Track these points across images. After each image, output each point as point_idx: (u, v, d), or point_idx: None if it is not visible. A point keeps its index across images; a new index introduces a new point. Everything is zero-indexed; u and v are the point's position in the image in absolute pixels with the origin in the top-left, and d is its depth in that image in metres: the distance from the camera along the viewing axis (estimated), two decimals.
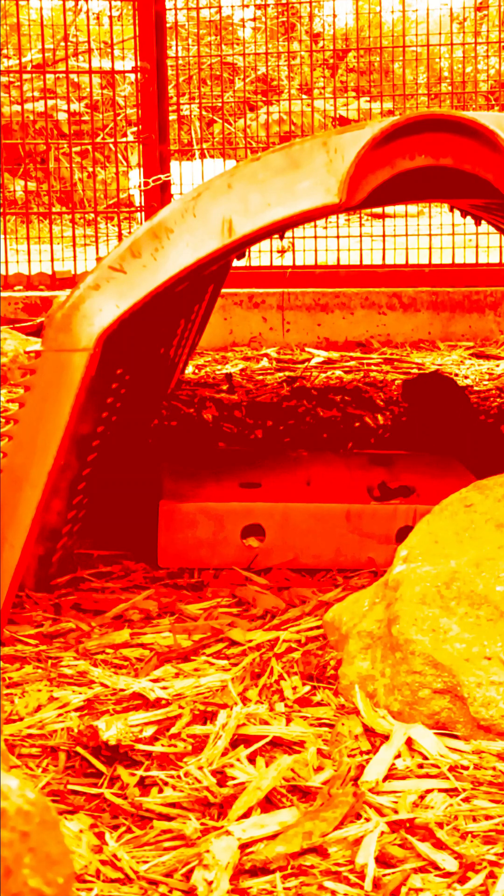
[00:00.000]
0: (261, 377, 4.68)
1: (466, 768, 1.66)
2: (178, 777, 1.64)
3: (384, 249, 5.72)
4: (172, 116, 6.63)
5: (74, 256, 5.85)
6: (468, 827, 1.51)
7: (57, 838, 1.11)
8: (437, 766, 1.66)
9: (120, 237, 5.95)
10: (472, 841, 1.48)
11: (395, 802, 1.57)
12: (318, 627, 2.12)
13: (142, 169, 5.58)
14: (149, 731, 1.75)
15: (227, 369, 4.89)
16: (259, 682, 1.92)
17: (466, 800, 1.58)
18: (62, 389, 2.09)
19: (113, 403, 2.57)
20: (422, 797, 1.59)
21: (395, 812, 1.55)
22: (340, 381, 4.53)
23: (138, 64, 5.48)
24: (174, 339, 3.78)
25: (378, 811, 1.55)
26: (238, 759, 1.67)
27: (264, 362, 5.07)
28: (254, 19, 8.57)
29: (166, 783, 1.62)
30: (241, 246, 2.41)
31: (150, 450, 3.35)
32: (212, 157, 7.18)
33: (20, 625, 2.20)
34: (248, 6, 6.98)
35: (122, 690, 1.90)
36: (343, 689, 1.87)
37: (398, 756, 1.68)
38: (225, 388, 4.40)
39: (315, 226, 5.72)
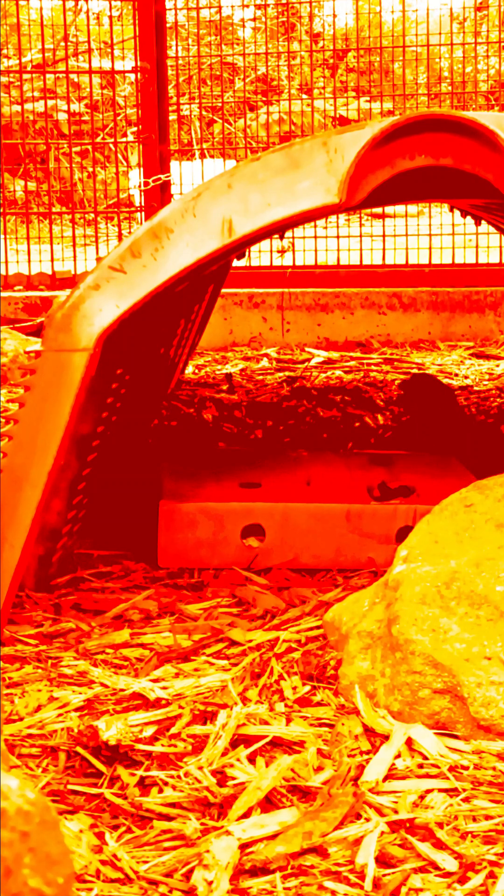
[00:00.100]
0: (261, 377, 4.68)
1: (466, 768, 1.66)
2: (178, 777, 1.64)
3: (384, 249, 5.72)
4: (172, 116, 6.63)
5: (74, 256, 5.85)
6: (468, 827, 1.51)
7: (57, 838, 1.11)
8: (437, 766, 1.66)
9: (120, 237, 5.95)
10: (472, 841, 1.48)
11: (395, 802, 1.57)
12: (318, 627, 2.12)
13: (142, 169, 5.58)
14: (149, 731, 1.75)
15: (227, 369, 4.89)
16: (259, 682, 1.92)
17: (466, 800, 1.58)
18: (62, 389, 2.09)
19: (113, 403, 2.57)
20: (422, 797, 1.59)
21: (395, 812, 1.55)
22: (340, 381, 4.53)
23: (138, 64, 5.48)
24: (174, 339, 3.78)
25: (378, 811, 1.55)
26: (238, 759, 1.67)
27: (264, 362, 5.07)
28: (254, 19, 8.57)
29: (166, 783, 1.63)
30: (241, 246, 2.41)
31: (150, 450, 3.35)
32: (212, 157, 7.18)
33: (20, 625, 2.20)
34: (248, 6, 6.98)
35: (122, 690, 1.90)
36: (343, 689, 1.87)
37: (398, 756, 1.68)
38: (225, 388, 4.40)
39: (315, 226, 5.72)
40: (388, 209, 6.42)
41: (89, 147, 7.39)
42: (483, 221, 4.13)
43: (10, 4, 5.96)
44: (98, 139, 7.67)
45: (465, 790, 1.60)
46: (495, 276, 5.60)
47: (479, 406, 4.03)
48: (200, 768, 1.65)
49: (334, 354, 5.21)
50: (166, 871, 1.43)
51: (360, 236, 5.70)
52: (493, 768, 1.66)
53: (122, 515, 2.76)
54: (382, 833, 1.50)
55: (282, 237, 4.66)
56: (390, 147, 2.08)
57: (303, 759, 1.67)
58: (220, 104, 7.59)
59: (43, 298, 5.55)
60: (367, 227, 6.47)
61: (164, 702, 1.85)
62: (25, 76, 7.27)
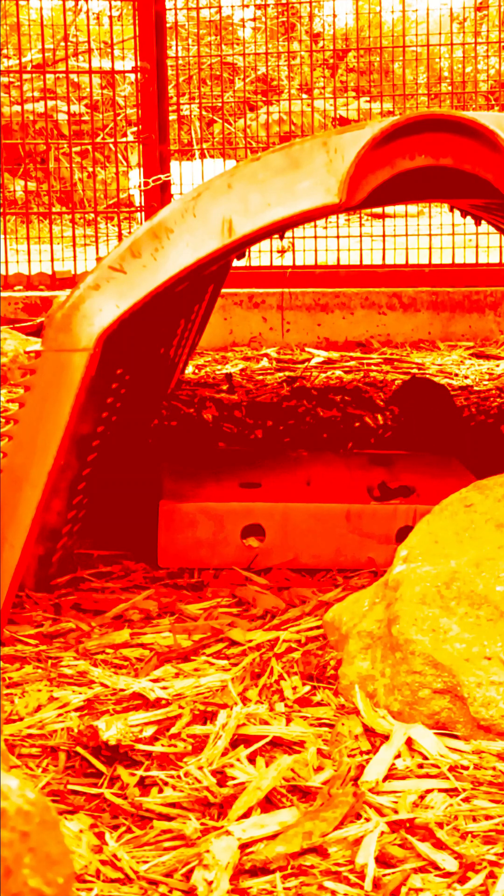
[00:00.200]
0: (261, 377, 4.68)
1: (466, 768, 1.66)
2: (178, 777, 1.64)
3: (384, 249, 5.72)
4: (172, 116, 6.63)
5: (74, 256, 5.85)
6: (468, 827, 1.51)
7: (57, 838, 1.11)
8: (437, 766, 1.66)
9: (120, 237, 5.95)
10: (472, 841, 1.48)
11: (395, 802, 1.57)
12: (318, 627, 2.12)
13: (142, 169, 5.58)
14: (149, 731, 1.75)
15: (227, 369, 4.89)
16: (259, 682, 1.92)
17: (466, 800, 1.58)
18: (62, 389, 2.09)
19: (113, 403, 2.57)
20: (422, 797, 1.59)
21: (395, 812, 1.55)
22: (340, 381, 4.53)
23: (138, 64, 5.48)
24: (174, 339, 3.78)
25: (378, 811, 1.55)
26: (238, 759, 1.67)
27: (264, 362, 5.07)
28: (254, 19, 8.57)
29: (166, 783, 1.63)
30: (241, 246, 2.41)
31: (150, 450, 3.35)
32: (212, 157, 7.18)
33: (20, 625, 2.20)
34: (248, 6, 6.98)
35: (122, 690, 1.90)
36: (343, 689, 1.87)
37: (398, 756, 1.68)
38: (225, 388, 4.40)
39: (315, 226, 5.72)
40: (388, 209, 6.42)
41: (89, 147, 7.39)
42: (483, 221, 4.13)
43: (10, 4, 5.96)
44: (98, 139, 7.67)
45: (465, 790, 1.60)
46: (495, 276, 5.60)
47: (479, 406, 4.03)
48: (200, 768, 1.65)
49: (334, 354, 5.21)
50: (166, 871, 1.43)
51: (360, 236, 5.70)
52: (493, 768, 1.66)
53: (122, 515, 2.76)
54: (382, 833, 1.50)
55: (282, 237, 4.66)
56: (390, 147, 2.08)
57: (303, 759, 1.67)
58: (220, 104, 7.59)
59: (43, 298, 5.55)
60: (367, 227, 6.47)
61: (164, 702, 1.85)
62: (25, 76, 7.27)
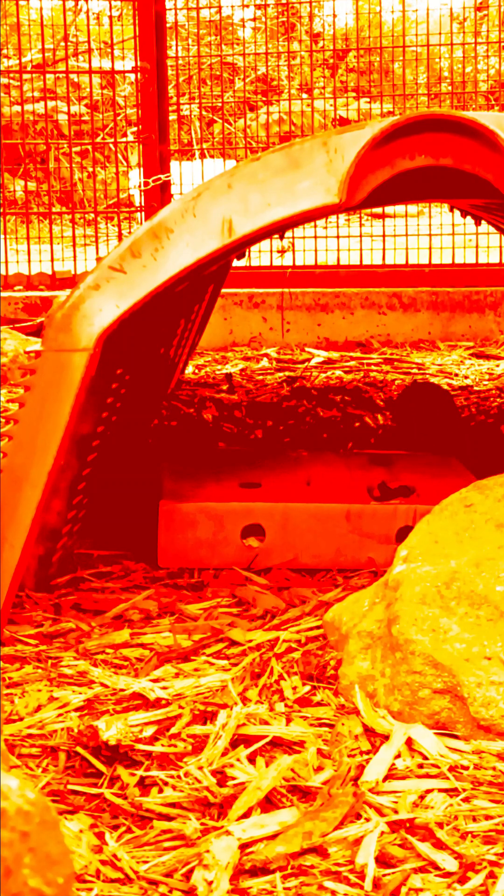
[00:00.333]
0: (261, 377, 4.68)
1: (466, 768, 1.66)
2: (178, 777, 1.64)
3: (384, 249, 5.72)
4: (172, 116, 6.63)
5: (74, 256, 5.85)
6: (468, 827, 1.51)
7: (57, 838, 1.11)
8: (437, 766, 1.66)
9: (120, 237, 5.95)
10: (472, 841, 1.48)
11: (395, 802, 1.57)
12: (318, 627, 2.12)
13: (142, 169, 5.58)
14: (149, 731, 1.75)
15: (227, 369, 4.89)
16: (259, 682, 1.92)
17: (466, 800, 1.58)
18: (62, 389, 2.09)
19: (113, 403, 2.57)
20: (422, 797, 1.59)
21: (395, 812, 1.55)
22: (340, 381, 4.53)
23: (138, 64, 5.48)
24: (174, 339, 3.78)
25: (378, 811, 1.55)
26: (238, 759, 1.67)
27: (264, 362, 5.07)
28: (254, 19, 8.57)
29: (166, 783, 1.63)
30: (241, 246, 2.41)
31: (150, 450, 3.35)
32: (212, 157, 7.19)
33: (20, 625, 2.20)
34: (248, 6, 6.98)
35: (122, 690, 1.90)
36: (343, 689, 1.87)
37: (398, 756, 1.68)
38: (225, 388, 4.40)
39: (315, 226, 5.72)
40: (388, 209, 6.42)
41: (89, 147, 7.39)
42: (483, 221, 4.13)
43: (10, 4, 5.96)
44: (98, 139, 7.67)
45: (465, 790, 1.60)
46: (495, 276, 5.60)
47: (479, 406, 4.03)
48: (200, 768, 1.65)
49: (334, 354, 5.21)
50: (166, 871, 1.43)
51: (360, 236, 5.70)
52: (493, 768, 1.66)
53: (122, 515, 2.76)
54: (382, 833, 1.50)
55: (282, 237, 4.66)
56: (390, 147, 2.08)
57: (303, 759, 1.67)
58: (220, 104, 7.59)
59: (43, 298, 5.55)
60: (367, 227, 6.47)
61: (164, 702, 1.85)
62: (25, 76, 7.27)
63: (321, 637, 2.08)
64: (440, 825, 1.52)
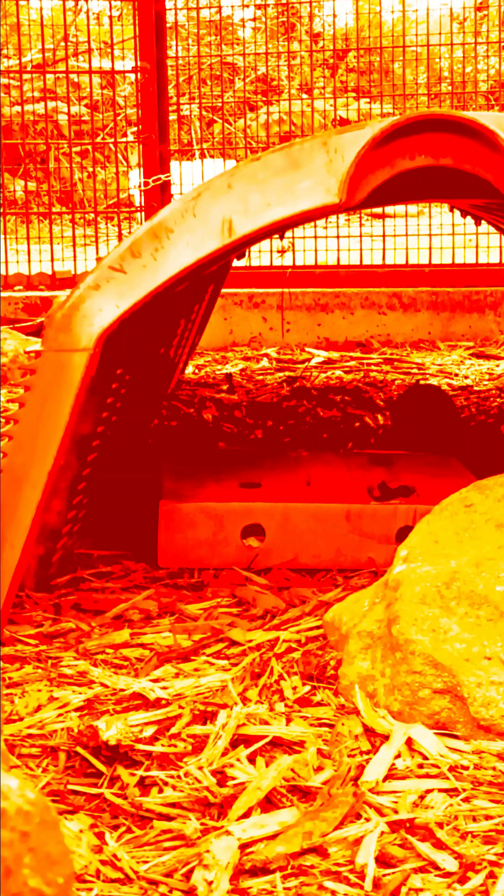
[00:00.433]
0: (261, 377, 4.68)
1: (466, 768, 1.66)
2: (178, 777, 1.64)
3: (384, 249, 5.72)
4: (172, 116, 6.63)
5: (74, 256, 5.85)
6: (468, 827, 1.51)
7: (57, 838, 1.11)
8: (437, 766, 1.66)
9: (120, 237, 5.95)
10: (472, 841, 1.48)
11: (395, 802, 1.57)
12: (318, 627, 2.12)
13: (142, 169, 5.58)
14: (149, 731, 1.75)
15: (227, 369, 4.89)
16: (259, 682, 1.92)
17: (466, 800, 1.58)
18: (62, 389, 2.09)
19: (113, 403, 2.57)
20: (422, 797, 1.59)
21: (395, 812, 1.55)
22: (340, 381, 4.53)
23: (138, 64, 5.48)
24: (174, 339, 3.78)
25: (378, 811, 1.55)
26: (238, 759, 1.67)
27: (264, 362, 5.07)
28: (254, 19, 8.57)
29: (166, 783, 1.63)
30: (241, 246, 2.41)
31: (150, 450, 3.35)
32: (212, 157, 7.19)
33: (20, 625, 2.20)
34: (248, 6, 6.98)
35: (122, 690, 1.90)
36: (343, 689, 1.87)
37: (398, 756, 1.68)
38: (225, 388, 4.40)
39: (315, 226, 5.72)
40: (388, 209, 6.42)
41: (89, 147, 7.39)
42: (483, 221, 4.13)
43: (10, 4, 5.96)
44: (98, 139, 7.67)
45: (465, 790, 1.60)
46: (495, 276, 5.60)
47: (479, 406, 4.03)
48: (200, 768, 1.65)
49: (334, 354, 5.21)
50: (166, 871, 1.43)
51: (360, 236, 5.70)
52: (493, 768, 1.66)
53: (122, 515, 2.76)
54: (382, 833, 1.50)
55: (282, 237, 4.66)
56: (390, 147, 2.08)
57: (303, 759, 1.67)
58: (220, 104, 7.59)
59: (43, 298, 5.55)
60: (367, 227, 6.47)
61: (164, 702, 1.85)
62: (25, 76, 7.27)
63: (321, 637, 2.08)
64: (440, 825, 1.52)
